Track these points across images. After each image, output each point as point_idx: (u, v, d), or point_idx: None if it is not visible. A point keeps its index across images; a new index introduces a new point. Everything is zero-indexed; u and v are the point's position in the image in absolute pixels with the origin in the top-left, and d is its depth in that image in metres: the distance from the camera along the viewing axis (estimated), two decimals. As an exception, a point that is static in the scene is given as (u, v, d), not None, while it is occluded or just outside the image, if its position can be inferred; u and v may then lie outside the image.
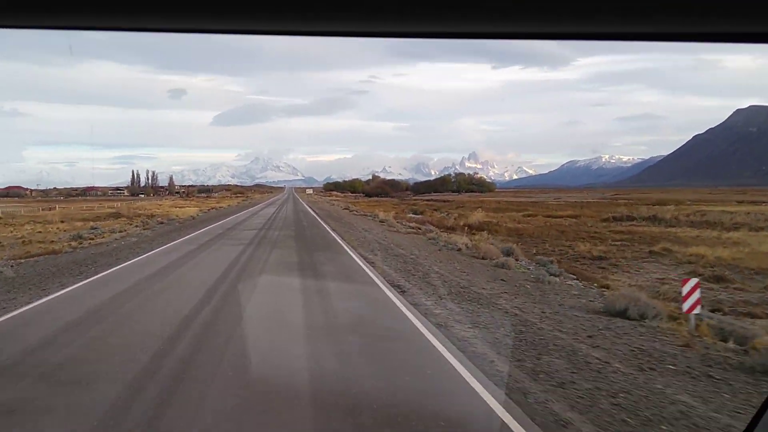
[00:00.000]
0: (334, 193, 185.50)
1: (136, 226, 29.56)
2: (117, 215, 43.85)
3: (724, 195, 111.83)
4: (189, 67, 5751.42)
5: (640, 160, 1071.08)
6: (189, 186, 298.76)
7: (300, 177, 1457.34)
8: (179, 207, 62.99)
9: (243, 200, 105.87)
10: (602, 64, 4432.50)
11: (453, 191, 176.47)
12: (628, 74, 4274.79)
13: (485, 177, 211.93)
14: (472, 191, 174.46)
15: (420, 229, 27.22)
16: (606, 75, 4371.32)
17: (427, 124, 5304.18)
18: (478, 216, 32.74)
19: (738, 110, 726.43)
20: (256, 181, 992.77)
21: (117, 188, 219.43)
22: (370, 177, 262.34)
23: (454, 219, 35.63)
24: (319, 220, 35.07)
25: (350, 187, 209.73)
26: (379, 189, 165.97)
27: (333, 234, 24.55)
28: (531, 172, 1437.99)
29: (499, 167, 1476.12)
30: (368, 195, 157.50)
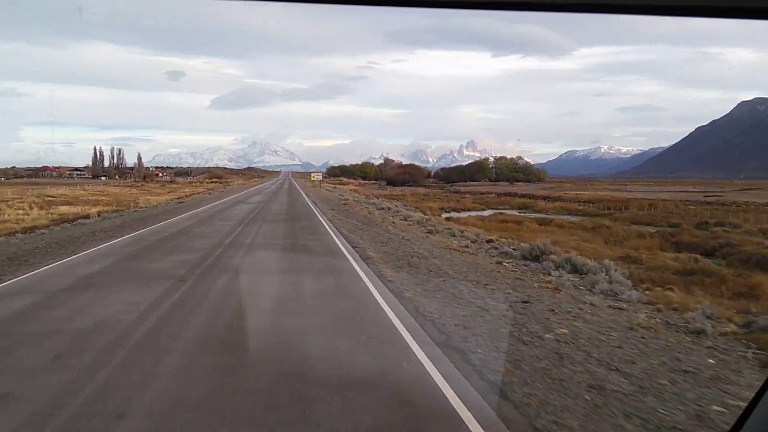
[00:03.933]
0: (344, 179, 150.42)
1: None
2: None
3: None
4: (187, 50, 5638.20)
5: (639, 152, 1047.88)
6: (166, 168, 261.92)
7: (297, 162, 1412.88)
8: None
9: (207, 193, 65.94)
10: (602, 55, 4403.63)
11: (491, 180, 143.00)
12: (628, 65, 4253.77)
13: (530, 162, 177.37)
14: (516, 180, 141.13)
15: None
16: (606, 65, 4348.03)
17: (425, 112, 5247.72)
18: None
19: (742, 102, 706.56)
20: (254, 165, 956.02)
21: (76, 169, 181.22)
22: (369, 162, 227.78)
23: None
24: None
25: (360, 173, 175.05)
26: (407, 175, 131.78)
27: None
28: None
29: (498, 156, 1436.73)
30: (390, 183, 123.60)
